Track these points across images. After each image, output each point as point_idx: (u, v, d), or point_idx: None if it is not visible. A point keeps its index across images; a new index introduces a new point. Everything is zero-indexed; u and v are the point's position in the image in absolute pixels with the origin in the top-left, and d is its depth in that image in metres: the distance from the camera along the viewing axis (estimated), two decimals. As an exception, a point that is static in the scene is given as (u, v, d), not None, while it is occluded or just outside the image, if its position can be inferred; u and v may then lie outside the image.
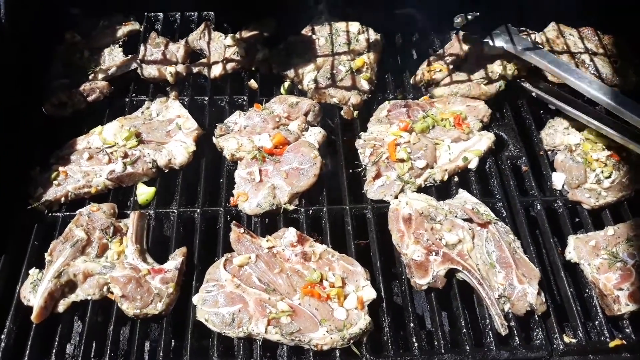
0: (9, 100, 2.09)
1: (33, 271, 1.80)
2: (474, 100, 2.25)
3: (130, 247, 1.83)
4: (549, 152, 2.20)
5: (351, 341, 1.68)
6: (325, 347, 1.67)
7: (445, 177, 2.06)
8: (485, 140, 2.13)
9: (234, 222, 1.89)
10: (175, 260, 1.82)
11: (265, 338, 1.67)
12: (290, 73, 2.36)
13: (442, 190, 2.06)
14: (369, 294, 1.75)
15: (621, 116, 1.97)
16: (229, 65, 2.39)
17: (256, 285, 1.76)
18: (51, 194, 1.97)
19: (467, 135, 2.14)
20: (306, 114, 2.20)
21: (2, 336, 1.69)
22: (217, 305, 1.72)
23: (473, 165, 2.09)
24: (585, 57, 2.40)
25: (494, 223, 1.91)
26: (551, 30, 2.51)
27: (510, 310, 1.78)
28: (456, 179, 2.09)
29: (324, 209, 2.00)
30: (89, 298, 1.77)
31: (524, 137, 2.26)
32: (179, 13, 2.65)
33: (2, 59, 2.05)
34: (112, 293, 1.77)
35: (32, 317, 1.69)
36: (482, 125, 2.20)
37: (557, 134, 2.18)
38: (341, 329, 1.68)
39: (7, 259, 1.87)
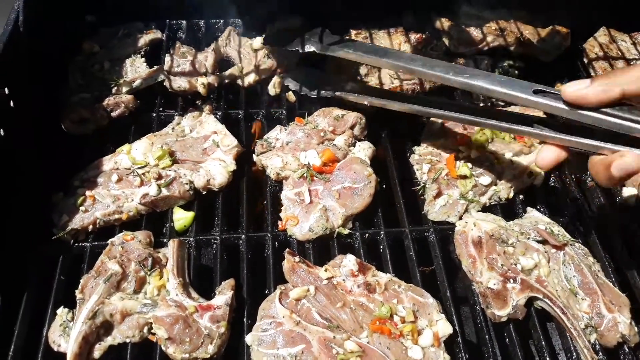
0: (26, 117, 1.88)
1: (61, 311, 1.58)
2: (531, 111, 2.09)
3: (172, 281, 1.62)
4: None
5: (430, 384, 1.49)
6: (401, 392, 1.48)
7: (511, 195, 1.89)
8: (549, 153, 1.97)
9: (287, 250, 1.69)
10: (225, 294, 1.61)
11: (333, 383, 1.48)
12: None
13: (507, 209, 1.89)
14: (445, 328, 1.57)
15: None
16: (262, 71, 2.20)
17: (318, 322, 1.57)
18: (77, 221, 1.75)
19: (529, 148, 1.97)
20: (352, 128, 2.02)
21: (31, 389, 1.48)
22: (275, 346, 1.52)
23: (539, 181, 1.93)
24: (642, 64, 2.26)
25: (571, 244, 1.75)
26: (602, 35, 2.38)
27: (597, 342, 1.61)
28: (521, 197, 1.93)
29: (382, 233, 1.81)
30: (127, 341, 1.56)
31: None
32: (203, 21, 2.46)
33: (20, 71, 1.83)
34: (153, 334, 1.57)
35: (66, 367, 1.47)
36: (542, 138, 2.04)
37: (622, 146, 2.03)
38: (419, 370, 1.49)
39: (30, 296, 1.64)
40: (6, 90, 1.78)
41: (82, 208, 1.76)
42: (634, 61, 2.28)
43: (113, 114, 2.04)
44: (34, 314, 1.62)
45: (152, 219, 1.83)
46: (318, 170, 1.87)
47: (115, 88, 2.09)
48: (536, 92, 1.47)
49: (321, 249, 1.79)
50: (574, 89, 1.36)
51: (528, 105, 1.50)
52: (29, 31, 1.87)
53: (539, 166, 1.57)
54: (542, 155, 1.49)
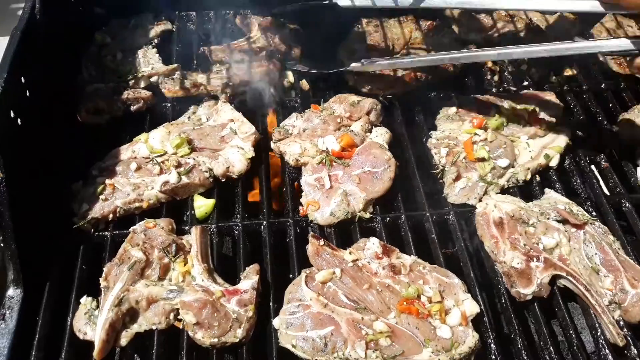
0: (42, 106, 1.86)
1: (85, 299, 1.57)
2: (545, 93, 2.11)
3: (197, 267, 1.61)
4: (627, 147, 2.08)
5: (460, 362, 1.50)
6: (432, 371, 1.48)
7: (528, 177, 1.90)
8: (563, 135, 1.99)
9: (311, 233, 1.69)
10: (250, 279, 1.61)
11: (364, 363, 1.48)
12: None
13: (524, 191, 1.91)
14: (472, 308, 1.57)
15: None
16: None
17: (345, 304, 1.57)
18: (98, 210, 1.74)
19: (544, 131, 1.99)
20: (368, 113, 2.03)
21: (58, 379, 1.46)
22: (304, 328, 1.52)
23: (554, 162, 1.95)
24: (650, 48, 2.29)
25: (591, 223, 1.76)
26: (609, 21, 2.40)
27: (621, 318, 1.62)
28: (537, 179, 1.94)
29: (402, 216, 1.82)
30: (153, 327, 1.54)
31: (597, 131, 2.14)
32: (213, 12, 2.45)
33: (36, 60, 1.81)
34: (179, 321, 1.56)
35: (95, 354, 1.45)
36: (555, 121, 2.06)
37: (634, 128, 2.05)
38: (449, 349, 1.49)
39: (52, 286, 1.63)
40: (22, 79, 1.76)
41: (102, 197, 1.75)
42: (642, 45, 2.30)
43: (132, 108, 2.03)
44: (57, 303, 1.60)
45: (172, 208, 1.82)
46: (337, 155, 1.88)
47: (133, 81, 2.07)
48: None
49: (343, 234, 1.79)
50: None
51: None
52: (45, 20, 1.85)
53: None
54: None
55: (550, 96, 2.10)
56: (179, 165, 1.82)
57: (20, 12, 1.90)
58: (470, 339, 1.51)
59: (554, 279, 1.67)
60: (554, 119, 2.04)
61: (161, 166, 1.81)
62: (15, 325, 1.52)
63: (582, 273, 1.67)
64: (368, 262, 1.65)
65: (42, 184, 1.76)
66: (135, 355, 1.57)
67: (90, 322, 1.52)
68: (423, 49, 2.25)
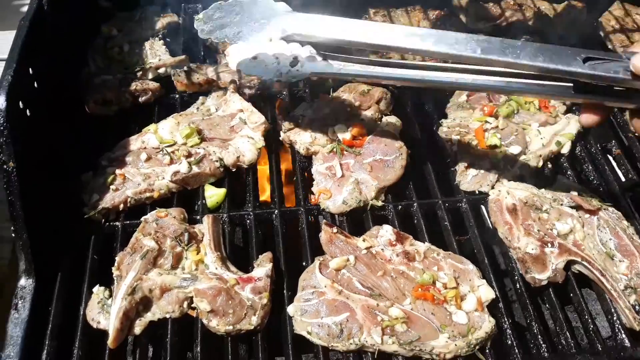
0: (50, 98, 1.85)
1: (97, 289, 1.56)
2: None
3: (210, 255, 1.60)
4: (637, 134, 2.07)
5: (477, 347, 1.49)
6: (448, 356, 1.47)
7: (540, 164, 1.89)
8: (574, 123, 1.98)
9: (324, 221, 1.68)
10: (264, 267, 1.60)
11: (380, 350, 1.47)
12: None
13: (536, 178, 1.89)
14: (487, 293, 1.56)
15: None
16: None
17: (360, 291, 1.56)
18: (108, 200, 1.72)
19: (554, 118, 1.98)
20: (378, 102, 2.02)
21: (73, 367, 1.45)
22: (319, 315, 1.51)
23: (566, 149, 1.94)
24: (658, 36, 2.29)
25: (604, 209, 1.75)
26: (617, 9, 2.40)
27: (637, 303, 1.61)
28: (549, 166, 1.93)
29: (415, 204, 1.81)
30: (167, 316, 1.53)
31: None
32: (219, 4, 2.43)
33: (44, 51, 1.80)
34: (193, 309, 1.55)
35: (109, 342, 1.44)
36: (565, 108, 2.05)
37: (644, 114, 2.04)
38: (465, 334, 1.48)
39: (64, 276, 1.61)
40: (31, 70, 1.75)
41: (112, 187, 1.74)
42: (651, 33, 2.30)
43: (140, 100, 2.02)
44: (69, 293, 1.59)
45: (184, 197, 1.81)
46: (348, 144, 1.87)
47: (141, 73, 2.06)
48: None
49: (355, 222, 1.78)
50: None
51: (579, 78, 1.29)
52: (53, 10, 1.84)
53: (583, 124, 1.49)
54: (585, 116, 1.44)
55: (560, 84, 2.09)
56: (189, 155, 1.81)
57: (22, 9, 1.89)
58: (487, 324, 1.50)
59: (568, 264, 1.66)
60: (563, 106, 2.04)
61: (171, 156, 1.80)
62: (28, 315, 1.51)
63: (597, 258, 1.66)
64: (382, 250, 1.64)
65: (52, 174, 1.75)
66: (149, 344, 1.57)
67: (104, 311, 1.51)
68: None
